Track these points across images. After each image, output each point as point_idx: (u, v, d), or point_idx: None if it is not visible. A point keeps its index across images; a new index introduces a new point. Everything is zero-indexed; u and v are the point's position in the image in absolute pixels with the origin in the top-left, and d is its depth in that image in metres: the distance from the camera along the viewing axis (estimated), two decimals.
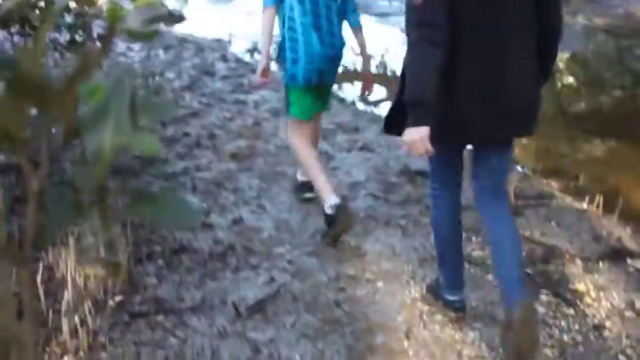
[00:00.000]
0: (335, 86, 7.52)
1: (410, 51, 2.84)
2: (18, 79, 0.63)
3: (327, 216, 4.08)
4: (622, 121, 7.07)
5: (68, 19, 4.46)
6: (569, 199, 4.82)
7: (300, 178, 4.74)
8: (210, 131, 5.98)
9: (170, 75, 7.79)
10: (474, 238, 4.15)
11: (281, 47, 4.22)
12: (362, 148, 5.60)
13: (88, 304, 3.32)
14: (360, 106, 7.04)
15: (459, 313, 3.42)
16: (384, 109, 6.97)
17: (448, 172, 3.24)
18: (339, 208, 4.02)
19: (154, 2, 0.74)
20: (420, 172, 4.98)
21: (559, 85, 8.78)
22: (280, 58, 4.27)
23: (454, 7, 2.75)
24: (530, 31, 2.90)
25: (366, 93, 4.56)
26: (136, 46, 8.95)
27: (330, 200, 4.05)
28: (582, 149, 6.32)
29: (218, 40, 10.01)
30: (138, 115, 0.66)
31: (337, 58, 4.25)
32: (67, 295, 3.33)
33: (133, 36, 0.72)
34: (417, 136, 2.74)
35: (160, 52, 8.87)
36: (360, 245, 4.11)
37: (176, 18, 0.84)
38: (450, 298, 3.41)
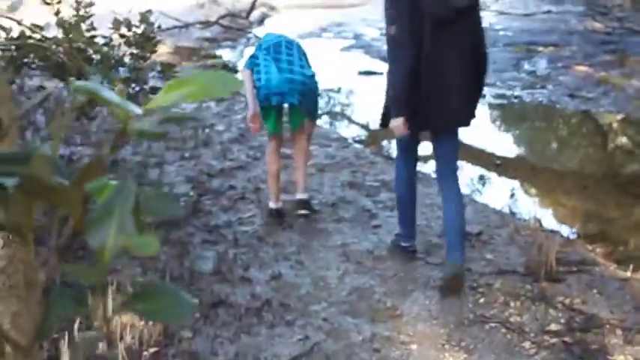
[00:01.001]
0: (385, 143, 7.56)
1: (390, 67, 4.21)
2: (28, 179, 0.67)
3: (270, 209, 5.43)
4: None
5: (123, 72, 4.60)
6: (612, 267, 4.72)
7: (271, 205, 5.45)
8: (255, 185, 6.05)
9: (220, 127, 7.92)
10: (512, 303, 4.10)
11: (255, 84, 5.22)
12: None
13: (122, 354, 3.36)
14: None
15: (413, 255, 4.69)
16: (428, 167, 6.98)
17: (411, 148, 4.49)
18: (274, 212, 5.39)
19: (164, 105, 0.77)
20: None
21: (611, 146, 8.70)
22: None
23: (419, 35, 3.98)
24: (471, 53, 4.16)
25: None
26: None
27: (271, 204, 5.43)
28: (631, 214, 6.22)
29: None
30: (141, 216, 0.69)
31: (296, 82, 5.13)
32: (103, 345, 3.38)
33: (144, 136, 0.76)
34: (397, 123, 4.16)
35: (212, 104, 9.04)
36: (397, 306, 4.09)
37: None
38: (405, 244, 4.70)
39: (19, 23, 4.01)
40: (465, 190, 6.35)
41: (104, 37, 4.74)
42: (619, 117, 9.51)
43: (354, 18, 21.08)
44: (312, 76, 5.29)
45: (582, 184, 6.97)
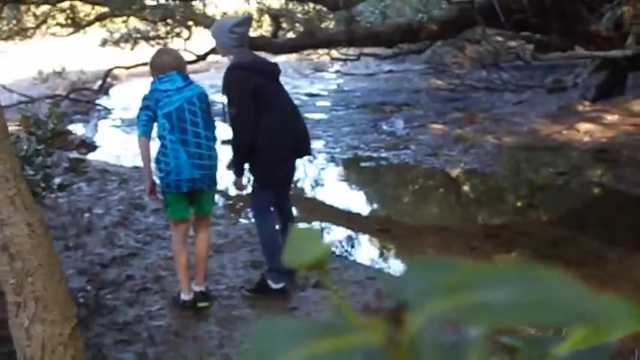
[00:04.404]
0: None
1: (233, 136, 5.08)
2: None
3: (177, 301, 5.15)
4: (545, 241, 7.27)
5: (30, 171, 4.25)
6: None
7: (184, 297, 5.12)
8: (155, 273, 5.77)
9: (99, 210, 7.55)
10: None
11: (156, 159, 4.92)
12: (315, 286, 5.47)
13: None
14: None
15: (284, 294, 5.26)
16: (327, 239, 6.93)
17: (269, 204, 5.29)
18: (187, 303, 5.08)
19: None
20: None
21: (485, 204, 8.99)
22: (156, 167, 4.97)
23: (256, 103, 4.92)
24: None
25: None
26: (57, 180, 8.66)
27: (184, 296, 5.11)
28: None
29: (137, 168, 9.79)
30: None
31: (206, 167, 4.90)
32: None
33: None
34: (242, 181, 5.28)
35: (83, 185, 8.62)
36: None
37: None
38: (275, 286, 5.25)
39: None
40: (363, 261, 6.35)
41: (10, 134, 4.38)
42: (485, 174, 9.87)
43: (202, 85, 20.92)
44: (217, 156, 5.05)
45: (469, 245, 7.11)
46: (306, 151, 5.43)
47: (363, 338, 0.45)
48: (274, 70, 5.27)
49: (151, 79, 4.98)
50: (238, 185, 5.33)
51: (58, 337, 2.30)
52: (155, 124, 4.89)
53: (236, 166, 5.18)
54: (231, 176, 5.74)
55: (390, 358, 0.44)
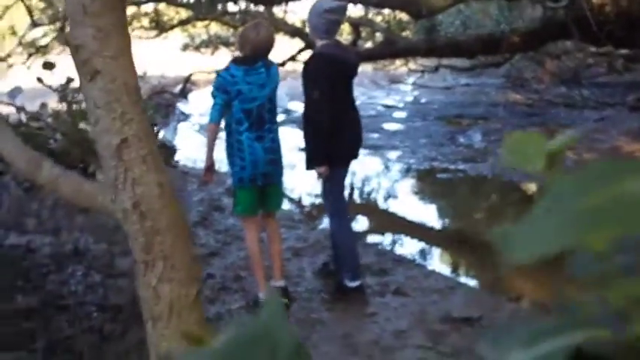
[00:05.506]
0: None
1: (312, 122, 4.95)
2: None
3: (256, 301, 5.18)
4: None
5: None
6: None
7: (261, 296, 5.15)
8: (235, 273, 5.82)
9: None
10: None
11: (229, 154, 5.00)
12: (395, 293, 5.45)
13: None
14: (383, 246, 6.93)
15: (361, 293, 5.32)
16: (406, 248, 6.90)
17: (341, 195, 5.31)
18: None
19: None
20: (465, 318, 4.86)
21: None
22: (229, 163, 5.05)
23: (332, 96, 4.87)
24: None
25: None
26: None
27: (262, 295, 5.07)
28: None
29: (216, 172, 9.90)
30: None
31: (278, 160, 5.07)
32: None
33: None
34: (322, 169, 4.98)
35: None
36: None
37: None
38: (352, 284, 5.26)
39: (19, 110, 3.76)
40: (442, 270, 6.28)
41: None
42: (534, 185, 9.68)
43: (278, 93, 21.08)
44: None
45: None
46: (356, 156, 5.36)
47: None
48: (351, 73, 5.21)
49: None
50: (321, 172, 5.04)
51: (185, 298, 2.33)
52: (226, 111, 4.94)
53: (317, 153, 5.02)
54: (309, 177, 5.76)
55: None
